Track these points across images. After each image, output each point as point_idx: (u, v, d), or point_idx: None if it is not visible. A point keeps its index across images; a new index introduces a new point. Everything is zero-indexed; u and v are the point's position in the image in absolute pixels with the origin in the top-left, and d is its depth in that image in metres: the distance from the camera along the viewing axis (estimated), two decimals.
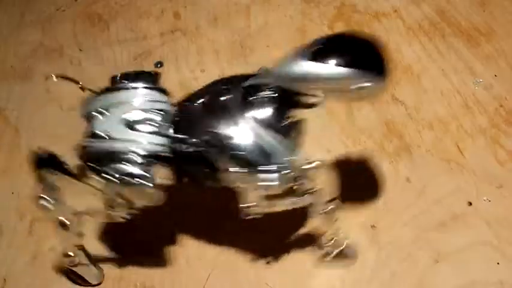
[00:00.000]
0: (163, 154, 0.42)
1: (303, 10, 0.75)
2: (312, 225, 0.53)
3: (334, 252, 0.49)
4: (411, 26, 0.71)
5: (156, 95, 0.45)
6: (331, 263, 0.50)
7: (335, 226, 0.47)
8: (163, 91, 0.45)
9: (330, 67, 0.37)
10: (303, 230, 0.53)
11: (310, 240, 0.52)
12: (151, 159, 0.42)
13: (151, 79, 0.46)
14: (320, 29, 0.72)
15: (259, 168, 0.41)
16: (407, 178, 0.56)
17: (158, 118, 0.43)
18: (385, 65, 0.38)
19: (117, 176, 0.41)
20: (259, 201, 0.43)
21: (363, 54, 0.38)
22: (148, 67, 0.70)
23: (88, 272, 0.50)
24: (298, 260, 0.51)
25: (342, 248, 0.49)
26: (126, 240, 0.53)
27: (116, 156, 0.42)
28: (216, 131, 0.42)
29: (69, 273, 0.50)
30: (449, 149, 0.58)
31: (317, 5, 0.75)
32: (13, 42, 0.77)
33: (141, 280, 0.51)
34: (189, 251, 0.52)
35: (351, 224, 0.53)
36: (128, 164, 0.41)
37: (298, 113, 0.41)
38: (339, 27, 0.72)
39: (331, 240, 0.48)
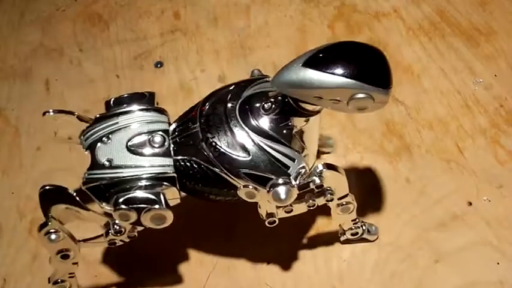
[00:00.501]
0: (167, 175, 0.42)
1: (303, 10, 0.75)
2: (314, 223, 0.53)
3: (357, 236, 0.50)
4: (411, 26, 0.71)
5: (154, 115, 0.45)
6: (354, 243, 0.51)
7: (352, 216, 0.47)
8: (160, 111, 0.45)
9: (331, 76, 0.36)
10: (304, 230, 0.53)
11: (311, 240, 0.52)
12: (158, 181, 0.42)
13: (146, 100, 0.46)
14: (320, 29, 0.72)
15: (268, 183, 0.40)
16: (407, 178, 0.56)
17: (159, 139, 0.43)
18: (390, 79, 0.37)
19: (126, 205, 0.41)
20: (275, 210, 0.43)
21: (367, 66, 0.37)
22: (148, 67, 0.70)
23: None
24: (298, 260, 0.51)
25: (362, 231, 0.49)
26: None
27: (124, 187, 0.42)
28: (217, 147, 0.41)
29: None
30: (449, 149, 0.58)
31: (317, 5, 0.75)
32: (13, 42, 0.77)
33: None
34: (189, 251, 0.52)
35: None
36: (135, 190, 0.41)
37: (302, 121, 0.41)
38: (339, 27, 0.72)
39: (351, 228, 0.49)
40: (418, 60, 0.67)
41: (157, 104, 0.46)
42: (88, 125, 0.46)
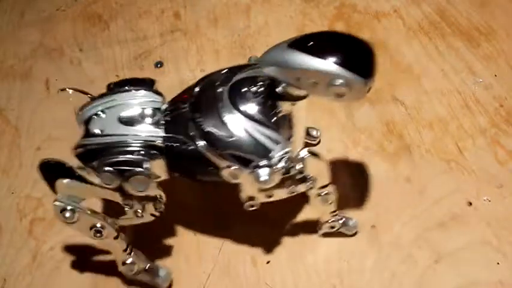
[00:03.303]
0: (154, 143, 0.42)
1: (303, 10, 0.75)
2: (314, 223, 0.53)
3: (335, 229, 0.50)
4: (411, 26, 0.71)
5: (149, 95, 0.45)
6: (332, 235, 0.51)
7: (331, 208, 0.47)
8: (158, 93, 0.46)
9: (312, 58, 0.36)
10: (304, 230, 0.53)
11: (311, 240, 0.52)
12: (145, 149, 0.42)
13: (145, 83, 0.47)
14: (320, 29, 0.72)
15: (251, 164, 0.40)
16: (407, 178, 0.56)
17: (149, 112, 0.44)
18: (371, 70, 0.37)
19: (113, 168, 0.41)
20: (256, 193, 0.43)
21: (350, 54, 0.37)
22: (148, 67, 0.71)
23: (153, 276, 0.49)
24: (298, 260, 0.51)
25: (340, 224, 0.50)
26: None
27: (111, 151, 0.42)
28: (204, 127, 0.42)
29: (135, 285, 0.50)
30: (449, 149, 0.58)
31: (317, 5, 0.75)
32: (13, 42, 0.77)
33: None
34: (189, 250, 0.52)
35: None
36: (123, 155, 0.42)
37: (289, 106, 0.41)
38: (339, 27, 0.72)
39: (330, 220, 0.49)
40: (418, 60, 0.67)
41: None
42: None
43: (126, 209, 0.44)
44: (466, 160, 0.56)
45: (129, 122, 0.43)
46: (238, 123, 0.41)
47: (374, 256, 0.50)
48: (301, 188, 0.44)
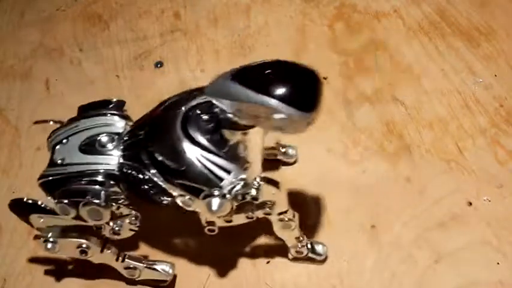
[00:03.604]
0: (110, 172, 0.43)
1: (303, 10, 0.75)
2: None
3: (303, 254, 0.49)
4: (411, 26, 0.71)
5: (112, 120, 0.46)
6: (303, 262, 0.50)
7: (295, 234, 0.46)
8: (123, 116, 0.47)
9: (251, 92, 0.35)
10: (304, 230, 0.53)
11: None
12: (100, 178, 0.43)
13: (112, 106, 0.48)
14: (320, 29, 0.72)
15: (201, 194, 0.40)
16: (407, 178, 0.56)
17: (105, 140, 0.45)
18: (314, 104, 0.35)
19: (68, 199, 0.42)
20: (215, 218, 0.43)
21: (292, 88, 0.35)
22: (148, 67, 0.71)
23: (155, 273, 0.49)
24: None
25: (308, 250, 0.49)
26: (124, 240, 0.53)
27: (68, 181, 0.43)
28: (156, 156, 0.42)
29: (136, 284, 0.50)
30: (449, 149, 0.58)
31: (317, 5, 0.75)
32: (13, 42, 0.77)
33: None
34: (189, 250, 0.52)
35: (351, 224, 0.53)
36: (77, 186, 0.43)
37: (239, 135, 0.41)
38: (339, 27, 0.72)
39: (297, 245, 0.48)
40: (418, 60, 0.67)
41: (124, 111, 0.48)
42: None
43: (101, 229, 0.45)
44: (466, 160, 0.56)
45: (87, 150, 0.44)
46: (189, 153, 0.41)
47: (374, 256, 0.50)
48: (258, 213, 0.43)
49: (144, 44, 0.74)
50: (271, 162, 0.57)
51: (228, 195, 0.40)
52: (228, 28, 0.74)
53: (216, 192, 0.40)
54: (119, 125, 0.46)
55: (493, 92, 0.62)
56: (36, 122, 0.50)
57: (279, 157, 0.57)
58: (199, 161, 0.40)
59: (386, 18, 0.72)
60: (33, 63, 0.74)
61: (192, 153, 0.41)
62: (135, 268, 0.48)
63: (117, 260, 0.48)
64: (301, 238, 0.47)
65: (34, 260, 0.53)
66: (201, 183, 0.40)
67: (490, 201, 0.53)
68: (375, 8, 0.74)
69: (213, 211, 0.39)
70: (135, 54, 0.73)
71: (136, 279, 0.49)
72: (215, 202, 0.40)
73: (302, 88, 0.36)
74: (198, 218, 0.50)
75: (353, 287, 0.49)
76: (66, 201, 0.42)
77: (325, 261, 0.50)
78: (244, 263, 0.51)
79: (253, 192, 0.41)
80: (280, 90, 0.35)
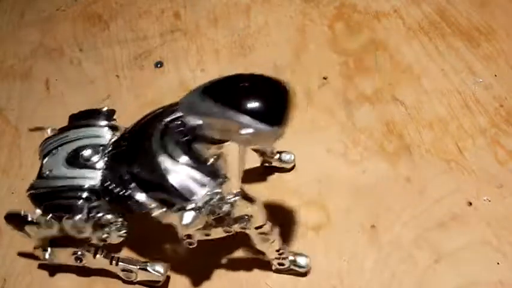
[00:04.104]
0: (91, 187, 0.44)
1: (303, 10, 0.75)
2: (314, 224, 0.53)
3: (284, 267, 0.49)
4: (411, 26, 0.71)
5: (100, 131, 0.47)
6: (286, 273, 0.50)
7: (275, 246, 0.46)
8: (111, 127, 0.47)
9: (220, 108, 0.36)
10: (304, 230, 0.53)
11: (311, 240, 0.52)
12: (84, 192, 0.44)
13: (102, 116, 0.49)
14: (320, 29, 0.72)
15: (175, 207, 0.40)
16: (407, 178, 0.56)
17: (88, 153, 0.45)
18: (282, 117, 0.36)
19: (49, 213, 0.43)
20: (194, 232, 0.43)
21: (259, 102, 0.35)
22: (149, 67, 0.70)
23: (149, 273, 0.49)
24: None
25: (290, 262, 0.49)
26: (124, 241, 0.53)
27: (52, 195, 0.44)
28: (133, 169, 0.42)
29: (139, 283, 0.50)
30: (449, 149, 0.58)
31: (317, 5, 0.75)
32: (13, 42, 0.77)
33: None
34: (188, 251, 0.52)
35: (351, 224, 0.53)
36: (61, 199, 0.44)
37: (215, 148, 0.40)
38: (339, 27, 0.72)
39: (279, 258, 0.48)
40: (418, 60, 0.67)
41: (115, 120, 0.49)
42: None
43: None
44: (466, 160, 0.56)
45: (73, 163, 0.45)
46: (165, 166, 0.41)
47: (374, 256, 0.50)
48: (235, 227, 0.43)
49: (144, 44, 0.74)
50: (269, 167, 0.57)
51: (203, 209, 0.40)
52: (228, 28, 0.74)
53: (189, 206, 0.40)
54: (106, 135, 0.47)
55: (493, 92, 0.62)
56: (32, 130, 0.51)
57: (274, 164, 0.56)
58: (174, 175, 0.41)
59: (386, 18, 0.72)
60: (33, 63, 0.74)
61: (168, 166, 0.41)
62: (131, 270, 0.48)
63: (110, 263, 0.48)
64: (282, 250, 0.47)
65: (34, 260, 0.53)
66: (175, 196, 0.40)
67: (490, 201, 0.53)
68: (375, 8, 0.74)
69: (184, 224, 0.39)
70: (135, 54, 0.73)
71: (135, 281, 0.50)
72: (187, 215, 0.40)
73: (270, 103, 0.36)
74: None
75: (353, 287, 0.49)
76: (49, 215, 0.43)
77: (308, 273, 0.50)
78: (244, 263, 0.51)
79: (226, 207, 0.40)
80: (248, 105, 0.35)
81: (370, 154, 0.58)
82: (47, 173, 0.45)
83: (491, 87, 0.63)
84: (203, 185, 0.40)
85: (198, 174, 0.41)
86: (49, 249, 0.48)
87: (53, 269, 0.52)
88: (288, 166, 0.57)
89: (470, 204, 0.53)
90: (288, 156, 0.56)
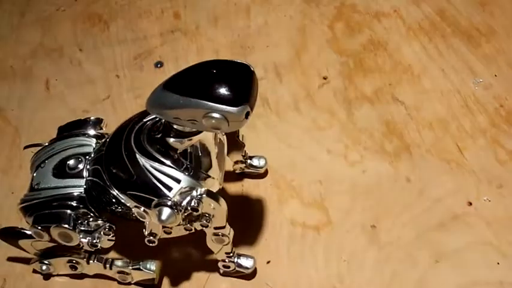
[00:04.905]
0: (75, 195, 0.45)
1: (303, 10, 0.75)
2: (313, 224, 0.53)
3: (230, 269, 0.49)
4: (411, 26, 0.71)
5: (84, 140, 0.48)
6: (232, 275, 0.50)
7: (227, 249, 0.46)
8: (96, 136, 0.48)
9: (181, 98, 0.36)
10: (304, 230, 0.53)
11: (311, 240, 0.52)
12: (69, 201, 0.45)
13: (91, 125, 0.50)
14: (320, 29, 0.72)
15: (152, 203, 0.41)
16: (408, 178, 0.56)
17: (72, 162, 0.46)
18: (244, 97, 0.36)
19: (37, 224, 0.45)
20: (160, 230, 0.44)
21: (219, 85, 0.36)
22: (149, 67, 0.70)
23: (142, 272, 0.50)
24: (298, 260, 0.51)
25: (235, 265, 0.49)
26: (124, 240, 0.53)
27: (40, 206, 0.46)
28: (111, 169, 0.43)
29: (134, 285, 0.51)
30: (449, 149, 0.58)
31: (317, 5, 0.75)
32: (13, 42, 0.77)
33: None
34: (188, 250, 0.52)
35: (351, 224, 0.53)
36: (47, 209, 0.45)
37: (185, 142, 0.41)
38: (339, 27, 0.72)
39: (225, 260, 0.48)
40: (418, 60, 0.67)
41: (101, 129, 0.50)
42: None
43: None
44: (466, 160, 0.56)
45: (59, 173, 0.46)
46: (138, 164, 0.42)
47: (374, 256, 0.50)
48: (196, 225, 0.43)
49: (144, 44, 0.74)
50: (242, 175, 0.57)
51: (178, 205, 0.40)
52: (228, 28, 0.74)
53: (168, 202, 0.40)
54: (92, 144, 0.48)
55: (493, 92, 0.62)
56: (26, 147, 0.52)
57: (246, 170, 0.56)
58: (149, 171, 0.41)
59: (386, 18, 0.72)
60: (33, 63, 0.73)
61: (142, 163, 0.41)
62: (125, 272, 0.49)
63: (104, 267, 0.49)
64: (231, 254, 0.47)
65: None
66: (151, 193, 0.41)
67: (490, 201, 0.53)
68: (375, 8, 0.74)
69: (162, 220, 0.40)
70: (135, 54, 0.73)
71: (132, 283, 0.50)
72: (165, 211, 0.40)
73: (231, 84, 0.36)
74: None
75: (353, 287, 0.49)
76: (39, 226, 0.45)
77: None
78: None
79: (194, 202, 0.41)
80: (209, 90, 0.36)
81: (370, 154, 0.58)
82: (36, 185, 0.47)
83: (491, 87, 0.63)
84: (177, 180, 0.41)
85: (170, 170, 0.41)
86: (45, 261, 0.49)
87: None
88: (261, 171, 0.56)
89: (470, 204, 0.53)
90: (258, 161, 0.56)
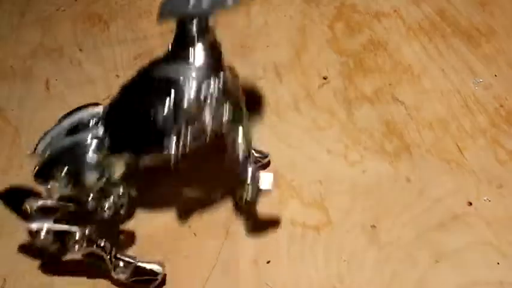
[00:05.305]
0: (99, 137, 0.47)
1: (303, 10, 0.75)
2: (313, 224, 0.53)
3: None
4: (411, 26, 0.71)
5: (89, 108, 0.51)
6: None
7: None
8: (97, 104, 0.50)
9: None
10: (303, 230, 0.53)
11: (311, 240, 0.52)
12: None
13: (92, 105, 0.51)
14: (320, 29, 0.72)
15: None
16: (407, 178, 0.56)
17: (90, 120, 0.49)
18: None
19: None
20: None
21: None
22: None
23: (146, 269, 0.49)
24: (298, 260, 0.51)
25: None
26: (124, 240, 0.53)
27: (62, 156, 0.48)
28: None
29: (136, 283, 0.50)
30: (449, 149, 0.58)
31: (317, 5, 0.75)
32: (13, 42, 0.77)
33: None
34: (189, 251, 0.52)
35: (351, 224, 0.53)
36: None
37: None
38: (339, 27, 0.72)
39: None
40: (418, 60, 0.67)
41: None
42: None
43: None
44: (466, 160, 0.56)
45: (73, 132, 0.49)
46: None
47: (374, 256, 0.50)
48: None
49: (144, 44, 0.74)
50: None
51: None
52: (228, 28, 0.74)
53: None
54: (96, 109, 0.50)
55: (493, 92, 0.62)
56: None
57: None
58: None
59: (386, 18, 0.72)
60: (33, 63, 0.73)
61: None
62: (125, 267, 0.49)
63: (107, 254, 0.48)
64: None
65: (34, 260, 0.53)
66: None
67: (490, 201, 0.53)
68: (375, 8, 0.74)
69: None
70: (135, 54, 0.73)
71: (131, 280, 0.49)
72: None
73: None
74: (197, 218, 0.51)
75: (353, 287, 0.49)
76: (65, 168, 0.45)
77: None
78: (244, 263, 0.51)
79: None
80: None
81: (370, 154, 0.58)
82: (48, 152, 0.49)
83: (491, 87, 0.63)
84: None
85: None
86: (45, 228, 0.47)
87: (54, 269, 0.52)
88: (264, 161, 0.57)
89: (470, 204, 0.53)
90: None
